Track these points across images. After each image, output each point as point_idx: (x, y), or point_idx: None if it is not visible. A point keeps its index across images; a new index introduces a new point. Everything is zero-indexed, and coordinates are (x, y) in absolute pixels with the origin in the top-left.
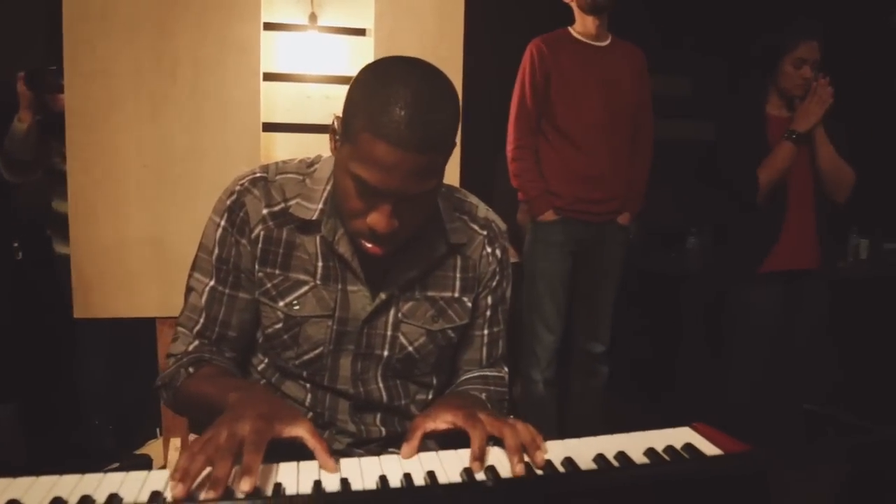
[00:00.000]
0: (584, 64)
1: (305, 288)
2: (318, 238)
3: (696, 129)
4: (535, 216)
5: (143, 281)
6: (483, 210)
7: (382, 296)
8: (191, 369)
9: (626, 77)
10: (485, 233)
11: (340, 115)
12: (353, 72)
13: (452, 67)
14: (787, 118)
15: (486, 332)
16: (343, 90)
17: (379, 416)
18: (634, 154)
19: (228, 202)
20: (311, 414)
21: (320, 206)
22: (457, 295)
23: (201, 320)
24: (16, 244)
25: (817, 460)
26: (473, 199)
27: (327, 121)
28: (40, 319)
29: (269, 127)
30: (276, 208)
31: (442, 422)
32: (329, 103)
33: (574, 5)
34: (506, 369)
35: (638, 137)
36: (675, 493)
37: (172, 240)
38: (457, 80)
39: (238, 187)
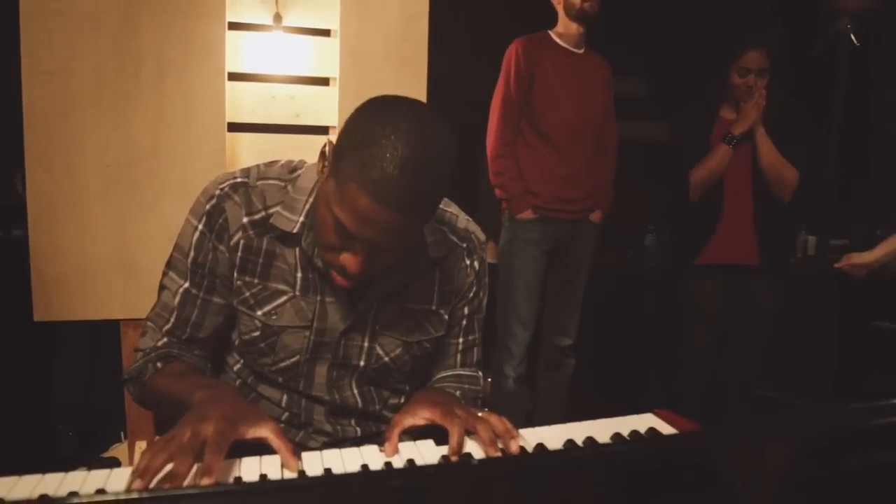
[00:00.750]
0: (564, 68)
1: (284, 298)
2: (297, 249)
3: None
4: (513, 214)
5: (106, 283)
6: (463, 221)
7: (361, 308)
8: (159, 364)
9: (597, 85)
10: (464, 245)
11: (334, 142)
12: (319, 72)
13: (417, 68)
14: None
15: (460, 340)
16: (308, 90)
17: (354, 419)
18: (602, 156)
19: (208, 206)
20: (287, 414)
21: (301, 218)
22: (434, 307)
23: (172, 319)
24: None
25: (766, 437)
26: (453, 209)
27: (293, 121)
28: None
29: (235, 127)
30: (257, 217)
31: (420, 418)
32: (294, 103)
33: (560, 10)
34: (480, 373)
35: (605, 141)
36: (636, 470)
37: (136, 241)
38: (421, 81)
39: (218, 192)
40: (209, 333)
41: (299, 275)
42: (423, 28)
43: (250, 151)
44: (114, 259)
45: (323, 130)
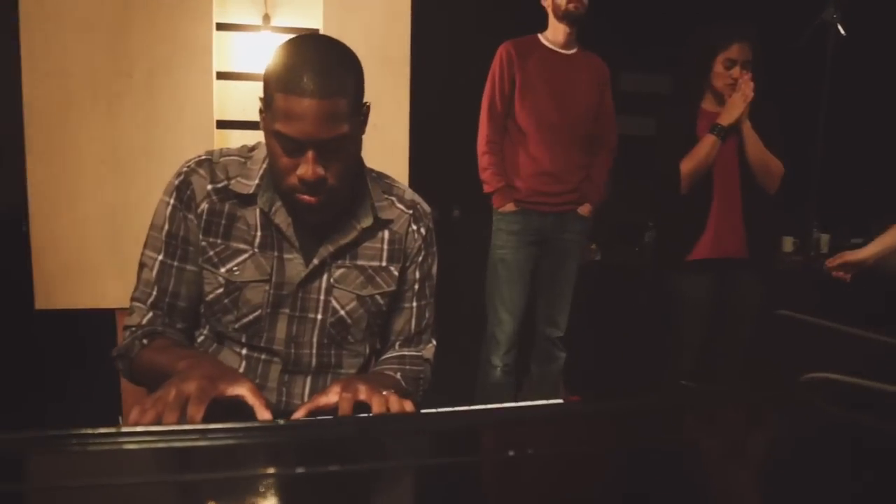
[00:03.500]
0: (548, 70)
1: (245, 256)
2: (257, 210)
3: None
4: (496, 207)
5: (102, 273)
6: (410, 194)
7: (315, 262)
8: (145, 341)
9: (586, 87)
10: (410, 212)
11: (262, 95)
12: None
13: (400, 66)
14: (718, 113)
15: (414, 304)
16: None
17: (308, 381)
18: (595, 154)
19: (177, 182)
20: None
21: (257, 181)
22: (384, 264)
23: (154, 293)
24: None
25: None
26: (402, 185)
27: None
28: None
29: (224, 124)
30: (220, 185)
31: (333, 394)
32: None
33: (549, 12)
34: (433, 342)
35: (599, 140)
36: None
37: (129, 234)
38: (404, 79)
39: (185, 168)
40: (187, 303)
41: (259, 233)
42: (406, 27)
43: None
44: (108, 251)
45: None
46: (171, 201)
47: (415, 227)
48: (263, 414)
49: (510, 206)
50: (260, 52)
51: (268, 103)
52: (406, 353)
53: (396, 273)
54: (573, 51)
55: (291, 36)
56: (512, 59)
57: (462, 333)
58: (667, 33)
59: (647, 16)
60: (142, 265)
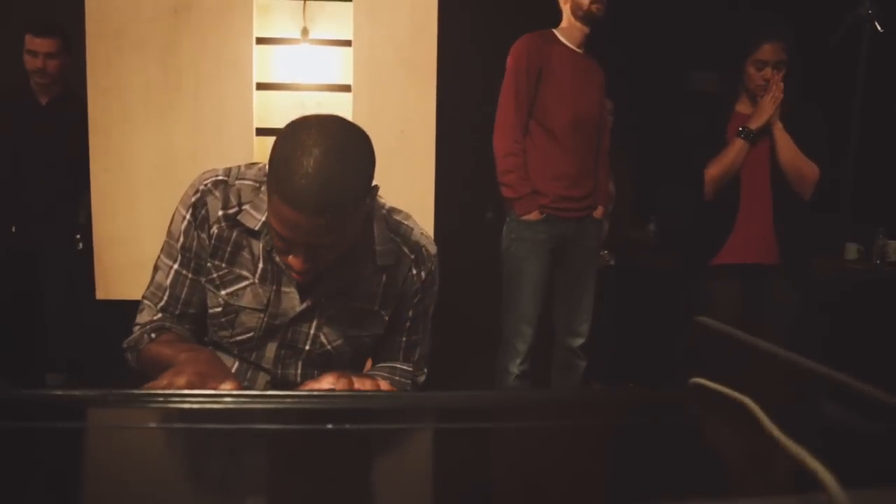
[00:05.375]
0: (568, 65)
1: (245, 283)
2: (262, 243)
3: None
4: (520, 215)
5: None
6: (416, 235)
7: (309, 301)
8: (153, 335)
9: (595, 84)
10: (413, 256)
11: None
12: (342, 80)
13: (426, 74)
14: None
15: (404, 338)
16: (334, 97)
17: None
18: (599, 155)
19: (193, 199)
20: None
21: (263, 218)
22: (377, 308)
23: (165, 297)
24: (77, 236)
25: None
26: (411, 223)
27: None
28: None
29: (263, 132)
30: (231, 211)
31: (325, 382)
32: (321, 109)
33: (567, 9)
34: (424, 372)
35: (601, 140)
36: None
37: None
38: (431, 86)
39: (202, 187)
40: (197, 310)
41: (260, 265)
42: (432, 35)
43: None
44: (159, 247)
45: None
46: (187, 216)
47: (414, 272)
48: None
49: (535, 215)
50: (298, 63)
51: (269, 188)
52: (398, 365)
53: (387, 318)
54: (582, 50)
55: (328, 47)
56: (537, 48)
57: (490, 338)
58: (698, 33)
59: (679, 15)
60: (156, 268)
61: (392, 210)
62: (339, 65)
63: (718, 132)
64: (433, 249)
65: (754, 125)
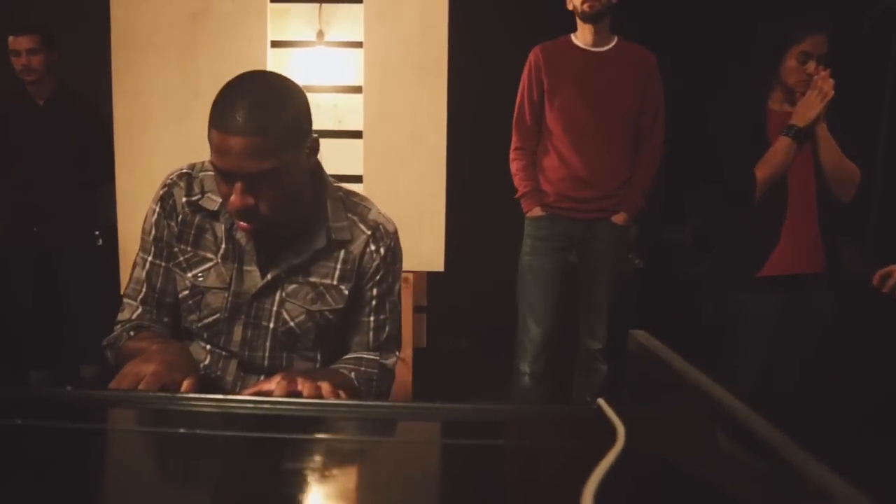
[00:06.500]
0: (579, 71)
1: (209, 264)
2: (224, 225)
3: None
4: (524, 211)
5: None
6: (374, 213)
7: (269, 276)
8: (132, 333)
9: (626, 82)
10: (369, 232)
11: None
12: (357, 81)
13: (437, 76)
14: (788, 113)
15: (372, 318)
16: (349, 98)
17: (262, 378)
18: (637, 156)
19: (161, 192)
20: (205, 371)
21: (222, 199)
22: (335, 283)
23: (143, 289)
24: (97, 232)
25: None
26: (369, 204)
27: (336, 127)
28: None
29: None
30: (194, 198)
31: (274, 382)
32: (337, 111)
33: (575, 14)
34: (395, 354)
35: (642, 141)
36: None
37: None
38: (441, 87)
39: (169, 181)
40: (173, 299)
41: (224, 246)
42: (443, 37)
43: None
44: None
45: (359, 135)
46: (157, 209)
47: (373, 248)
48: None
49: (538, 211)
50: (315, 65)
51: (208, 127)
52: (364, 355)
53: (346, 292)
54: (608, 47)
55: (343, 49)
56: (540, 63)
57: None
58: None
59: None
60: (134, 265)
61: (349, 193)
62: (354, 66)
63: (758, 130)
64: (391, 227)
65: (801, 122)
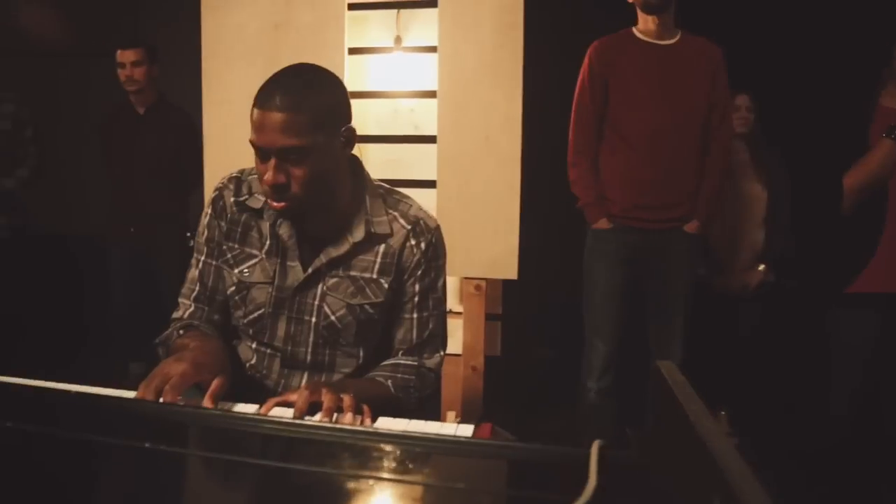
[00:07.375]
0: (645, 65)
1: (254, 260)
2: (268, 222)
3: None
4: (589, 223)
5: None
6: (415, 209)
7: (310, 271)
8: (181, 331)
9: (696, 77)
10: (409, 227)
11: None
12: (434, 86)
13: (512, 79)
14: None
15: (415, 315)
16: (426, 103)
17: (305, 377)
18: (707, 157)
19: (213, 196)
20: (251, 371)
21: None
22: (375, 276)
23: (196, 288)
24: (188, 234)
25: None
26: (410, 201)
27: (414, 131)
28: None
29: (362, 139)
30: (241, 199)
31: (297, 394)
32: (414, 116)
33: (636, 4)
34: (440, 353)
35: (710, 140)
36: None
37: None
38: (516, 91)
39: (220, 185)
40: (224, 297)
41: (268, 242)
42: (518, 38)
43: (376, 158)
44: None
45: (435, 140)
46: (209, 212)
47: (413, 242)
48: (206, 402)
49: (604, 223)
50: (393, 71)
51: (250, 116)
52: (402, 361)
53: (387, 286)
54: (673, 39)
55: (420, 54)
56: (601, 57)
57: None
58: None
59: None
60: (190, 266)
61: (391, 190)
62: (431, 71)
63: (858, 131)
64: (433, 223)
65: None
